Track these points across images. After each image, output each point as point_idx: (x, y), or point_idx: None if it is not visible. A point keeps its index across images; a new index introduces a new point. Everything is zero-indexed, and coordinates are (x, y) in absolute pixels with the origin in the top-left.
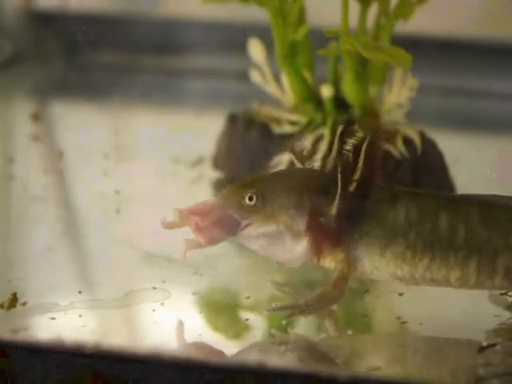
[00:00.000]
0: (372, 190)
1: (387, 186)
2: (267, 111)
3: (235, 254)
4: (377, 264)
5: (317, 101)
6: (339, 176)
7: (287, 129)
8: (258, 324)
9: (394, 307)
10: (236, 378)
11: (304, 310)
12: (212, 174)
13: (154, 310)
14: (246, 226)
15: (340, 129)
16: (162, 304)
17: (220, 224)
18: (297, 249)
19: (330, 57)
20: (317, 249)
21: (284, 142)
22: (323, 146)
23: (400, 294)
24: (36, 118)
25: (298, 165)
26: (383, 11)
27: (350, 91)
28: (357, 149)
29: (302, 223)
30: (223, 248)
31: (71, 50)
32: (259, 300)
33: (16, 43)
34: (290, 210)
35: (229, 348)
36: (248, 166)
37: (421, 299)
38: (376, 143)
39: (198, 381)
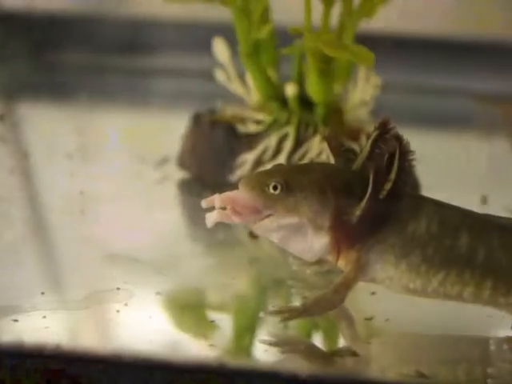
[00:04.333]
0: (400, 199)
1: (413, 193)
2: (232, 110)
3: (200, 254)
4: (390, 274)
5: (281, 99)
6: (371, 179)
7: (252, 128)
8: (223, 324)
9: (368, 307)
10: (202, 379)
11: (301, 313)
12: (178, 173)
13: (118, 311)
14: (267, 216)
15: (375, 132)
16: (125, 304)
17: (254, 209)
18: (316, 244)
19: (294, 55)
20: (337, 247)
21: (249, 141)
22: (288, 145)
23: (372, 293)
24: (1, 118)
25: (331, 157)
26: (347, 10)
27: (314, 89)
28: (391, 157)
29: (325, 218)
30: (188, 247)
31: (37, 50)
32: (225, 299)
33: None
34: (314, 204)
35: (192, 347)
36: (213, 166)
37: (400, 299)
38: (407, 153)
39: (161, 382)
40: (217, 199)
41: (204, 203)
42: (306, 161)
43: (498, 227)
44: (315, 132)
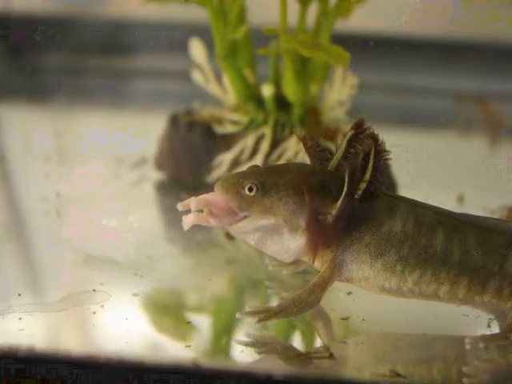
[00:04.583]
0: (376, 199)
1: (388, 192)
2: (209, 111)
3: (177, 255)
4: (366, 273)
5: (258, 100)
6: (346, 179)
7: (229, 128)
8: (200, 325)
9: (345, 307)
10: (178, 380)
11: (277, 313)
12: (155, 174)
13: (94, 313)
14: (243, 218)
15: (350, 132)
16: (102, 306)
17: (230, 211)
18: (293, 244)
19: (270, 56)
20: (313, 247)
21: (226, 141)
22: (265, 145)
23: (348, 293)
24: None
25: (307, 158)
26: (323, 10)
27: (290, 90)
28: (367, 156)
29: (301, 219)
30: (165, 249)
31: (14, 51)
32: (201, 300)
33: None
34: (289, 205)
35: (169, 349)
36: (191, 167)
37: (376, 299)
38: (382, 153)
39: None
40: (193, 202)
41: (180, 206)
42: (282, 161)
43: (474, 226)
44: (292, 132)
